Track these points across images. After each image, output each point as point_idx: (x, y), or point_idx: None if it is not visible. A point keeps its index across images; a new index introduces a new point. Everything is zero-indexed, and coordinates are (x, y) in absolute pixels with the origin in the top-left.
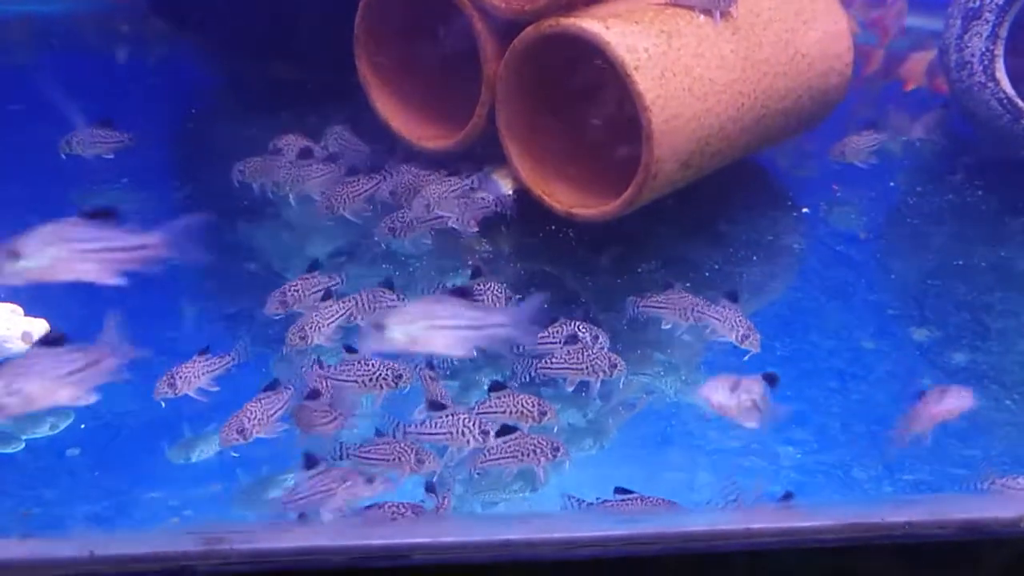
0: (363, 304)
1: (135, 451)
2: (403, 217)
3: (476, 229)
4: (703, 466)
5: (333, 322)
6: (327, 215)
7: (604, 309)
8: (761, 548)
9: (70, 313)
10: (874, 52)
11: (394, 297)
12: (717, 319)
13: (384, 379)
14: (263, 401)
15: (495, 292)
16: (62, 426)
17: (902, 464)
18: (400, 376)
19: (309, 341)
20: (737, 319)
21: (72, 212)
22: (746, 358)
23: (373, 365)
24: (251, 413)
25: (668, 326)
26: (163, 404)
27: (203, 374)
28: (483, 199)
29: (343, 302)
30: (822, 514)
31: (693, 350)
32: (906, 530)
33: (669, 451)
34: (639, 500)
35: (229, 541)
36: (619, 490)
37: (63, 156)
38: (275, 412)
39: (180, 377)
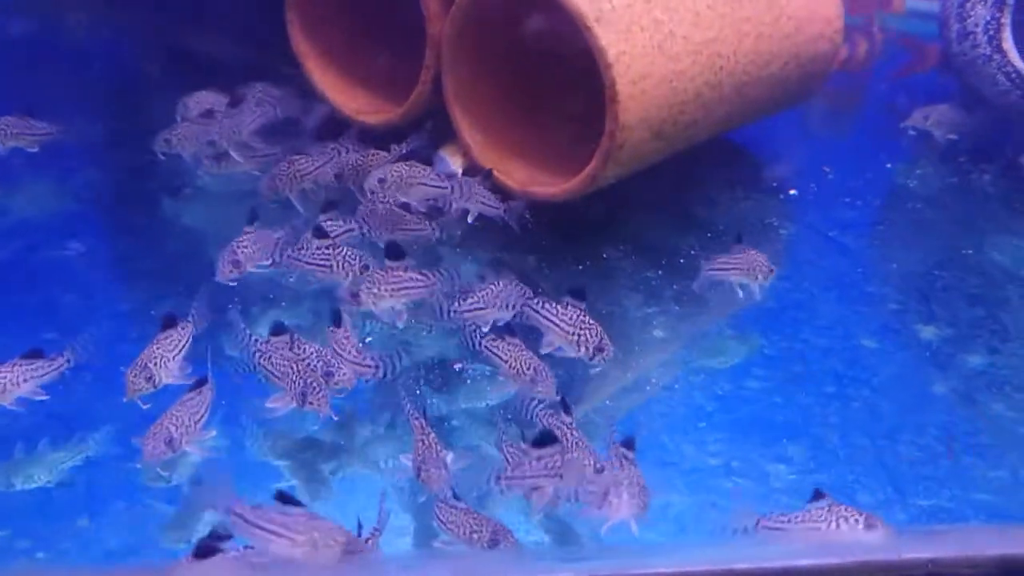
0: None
1: None
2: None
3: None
4: (678, 488)
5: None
6: (271, 197)
7: None
8: None
9: None
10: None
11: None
12: None
13: None
14: (188, 404)
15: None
16: None
17: (916, 487)
18: None
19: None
20: None
21: None
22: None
23: None
24: (176, 419)
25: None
26: None
27: (27, 379)
28: (489, 199)
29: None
30: (823, 551)
31: (665, 351)
32: (929, 569)
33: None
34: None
35: None
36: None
37: None
38: (201, 417)
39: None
